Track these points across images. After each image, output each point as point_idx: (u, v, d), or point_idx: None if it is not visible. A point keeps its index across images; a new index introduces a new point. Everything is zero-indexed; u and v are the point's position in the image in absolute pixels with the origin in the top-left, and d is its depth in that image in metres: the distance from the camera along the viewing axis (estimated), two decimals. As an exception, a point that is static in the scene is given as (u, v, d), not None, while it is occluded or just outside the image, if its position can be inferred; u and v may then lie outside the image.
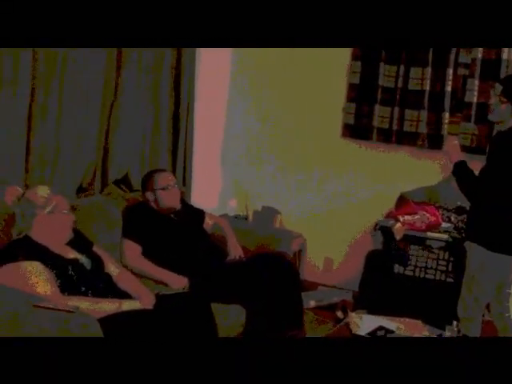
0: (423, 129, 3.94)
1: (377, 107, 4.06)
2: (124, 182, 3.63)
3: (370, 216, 3.86)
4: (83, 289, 2.48)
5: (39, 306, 2.14)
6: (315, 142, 4.38)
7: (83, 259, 2.61)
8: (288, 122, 4.46)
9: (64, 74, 3.10)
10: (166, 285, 3.02)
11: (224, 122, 4.57)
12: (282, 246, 3.57)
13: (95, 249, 2.79)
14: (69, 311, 2.16)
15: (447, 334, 2.69)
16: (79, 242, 2.70)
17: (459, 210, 3.60)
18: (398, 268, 3.57)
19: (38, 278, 2.34)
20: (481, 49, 3.71)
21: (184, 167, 4.00)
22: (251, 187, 4.60)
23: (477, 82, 3.76)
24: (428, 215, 3.59)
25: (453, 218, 3.64)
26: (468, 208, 3.04)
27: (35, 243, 2.50)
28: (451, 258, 3.46)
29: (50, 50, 2.97)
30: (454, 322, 2.75)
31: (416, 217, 3.58)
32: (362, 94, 4.11)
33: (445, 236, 3.49)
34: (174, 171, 3.88)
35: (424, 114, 3.92)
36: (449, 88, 3.86)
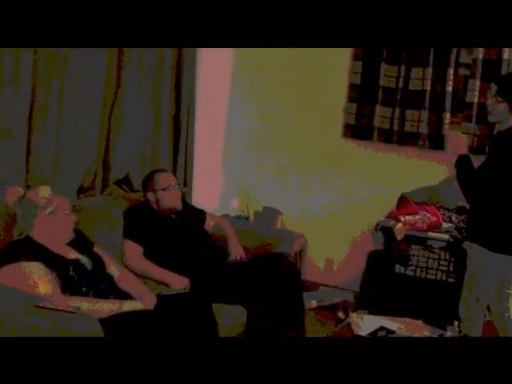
0: (424, 129, 3.94)
1: (378, 107, 4.06)
2: (125, 182, 3.63)
3: (370, 216, 3.86)
4: (84, 289, 2.48)
5: (40, 307, 2.14)
6: (316, 143, 4.38)
7: (84, 260, 2.61)
8: (289, 122, 4.46)
9: (64, 74, 3.10)
10: (167, 285, 3.02)
11: (225, 122, 4.57)
12: (283, 247, 3.56)
13: (96, 249, 2.79)
14: (70, 312, 2.16)
15: (448, 334, 2.69)
16: (80, 242, 2.70)
17: (460, 210, 3.60)
18: (399, 268, 3.57)
19: (39, 279, 2.33)
20: (482, 49, 3.71)
21: (185, 167, 4.00)
22: (252, 187, 4.60)
23: (478, 83, 3.75)
24: (429, 215, 3.59)
25: (454, 218, 3.64)
26: (468, 208, 3.04)
27: (36, 243, 2.50)
28: (452, 258, 3.45)
29: (50, 50, 2.97)
30: (455, 322, 2.75)
31: (417, 217, 3.58)
32: (362, 94, 4.11)
33: (446, 236, 3.49)
34: (174, 171, 3.88)
35: (425, 114, 3.92)
36: (450, 88, 3.86)
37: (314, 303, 3.99)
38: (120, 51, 3.43)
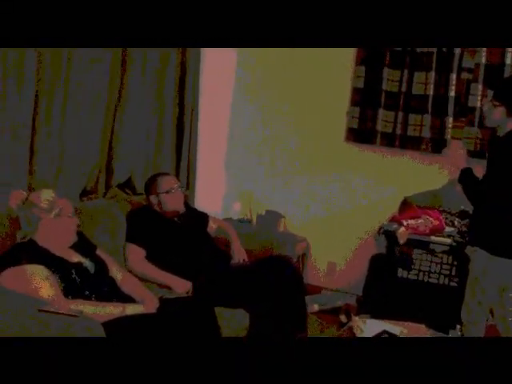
0: (427, 133, 3.94)
1: (380, 111, 4.07)
2: (128, 185, 3.64)
3: (373, 220, 3.87)
4: (87, 292, 2.48)
5: (43, 311, 2.14)
6: (319, 146, 4.38)
7: (87, 263, 2.61)
8: (292, 126, 4.47)
9: (69, 75, 3.10)
10: (169, 289, 3.02)
11: (228, 124, 4.57)
12: (286, 250, 3.57)
13: (99, 252, 2.79)
14: (72, 315, 2.16)
15: (450, 338, 2.69)
16: (83, 245, 2.70)
17: (462, 215, 3.60)
18: (401, 272, 3.57)
19: (42, 282, 2.33)
20: (484, 54, 3.72)
21: (188, 170, 4.00)
22: (255, 191, 4.60)
23: (480, 87, 3.76)
24: (431, 219, 3.59)
25: (456, 222, 3.64)
26: (471, 212, 3.04)
27: (39, 247, 2.50)
28: (455, 262, 3.45)
29: (54, 51, 2.97)
30: (458, 326, 2.76)
31: (419, 221, 3.58)
32: (365, 99, 4.12)
33: (448, 240, 3.49)
34: (177, 174, 3.88)
35: (427, 118, 3.93)
36: (452, 93, 3.87)
37: (316, 307, 3.99)
38: (124, 51, 3.43)
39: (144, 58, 3.55)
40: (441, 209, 3.72)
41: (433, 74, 3.87)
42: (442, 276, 3.50)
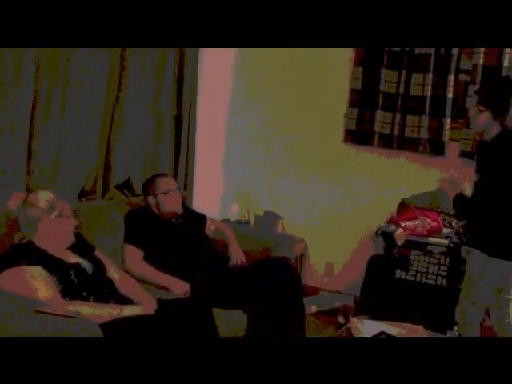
0: (424, 134, 3.95)
1: (378, 112, 4.07)
2: (126, 186, 3.63)
3: (371, 221, 3.87)
4: (85, 294, 2.48)
5: (40, 312, 2.14)
6: (317, 147, 4.38)
7: (85, 264, 2.61)
8: (290, 128, 4.46)
9: (67, 75, 3.09)
10: (167, 290, 3.02)
11: (226, 125, 4.57)
12: (284, 251, 3.57)
13: (97, 253, 2.79)
14: (70, 317, 2.15)
15: (448, 339, 2.69)
16: (81, 246, 2.70)
17: (460, 216, 3.60)
18: (399, 273, 3.57)
19: (40, 283, 2.34)
20: (482, 55, 3.72)
21: (186, 172, 4.00)
22: (253, 192, 4.60)
23: (478, 88, 3.76)
24: (429, 221, 3.60)
25: (454, 224, 3.65)
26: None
27: (37, 248, 2.50)
28: (453, 264, 3.46)
29: (52, 51, 2.97)
30: (455, 327, 2.76)
31: (417, 222, 3.59)
32: (363, 100, 4.12)
33: (446, 241, 3.50)
34: (175, 176, 3.88)
35: (425, 119, 3.93)
36: (450, 94, 3.87)
37: (313, 308, 3.99)
38: (122, 51, 3.42)
39: (142, 59, 3.55)
40: (439, 210, 3.72)
41: (430, 75, 3.88)
42: (439, 277, 3.50)
